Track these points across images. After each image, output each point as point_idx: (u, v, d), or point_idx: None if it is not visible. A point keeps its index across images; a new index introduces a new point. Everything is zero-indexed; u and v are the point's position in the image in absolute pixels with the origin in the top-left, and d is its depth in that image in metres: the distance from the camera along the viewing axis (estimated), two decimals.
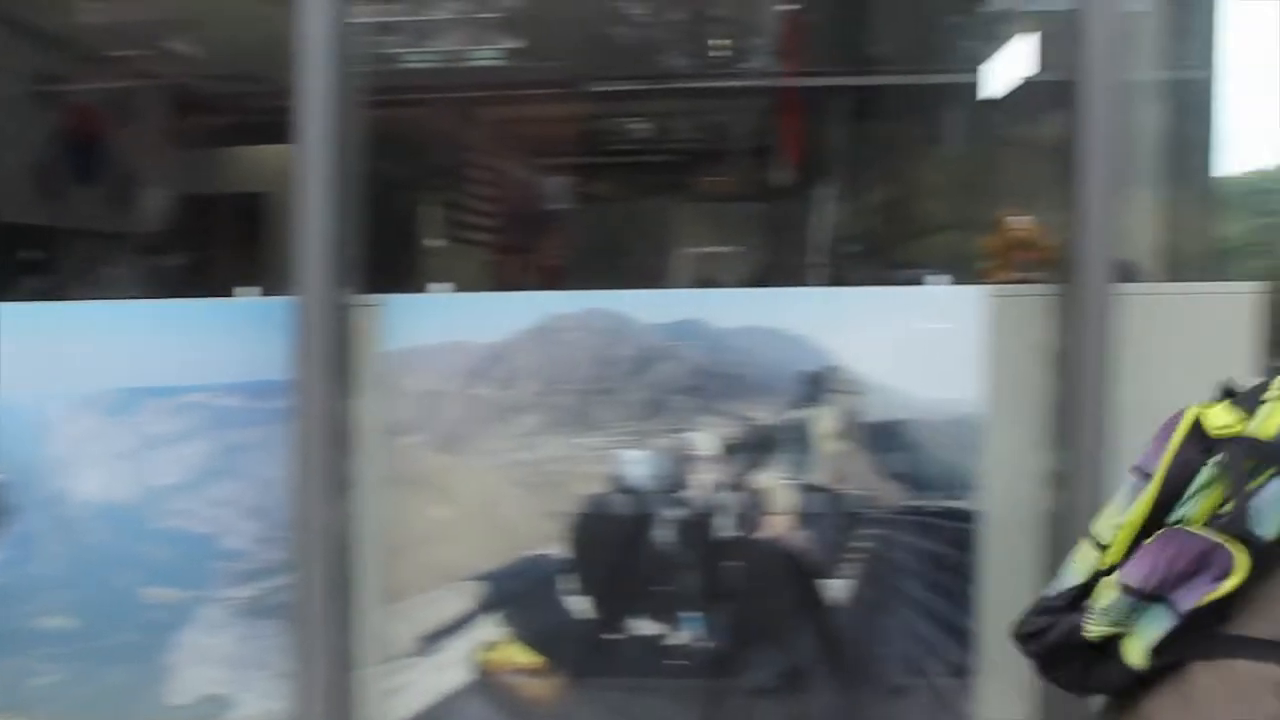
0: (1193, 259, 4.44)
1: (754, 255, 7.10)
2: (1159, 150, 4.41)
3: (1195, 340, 2.43)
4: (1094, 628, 1.30)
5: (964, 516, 2.50)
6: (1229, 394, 1.37)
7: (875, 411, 2.50)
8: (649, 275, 6.83)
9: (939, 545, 2.52)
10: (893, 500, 2.51)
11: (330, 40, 2.43)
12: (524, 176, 7.57)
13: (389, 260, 2.89)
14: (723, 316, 2.52)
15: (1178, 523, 1.29)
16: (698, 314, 2.53)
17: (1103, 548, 1.35)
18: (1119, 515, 1.35)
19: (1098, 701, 1.46)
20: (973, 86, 5.80)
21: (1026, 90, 5.03)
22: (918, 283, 2.51)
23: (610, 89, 6.47)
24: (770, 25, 5.95)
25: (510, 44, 6.02)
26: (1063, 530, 2.37)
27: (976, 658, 2.51)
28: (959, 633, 2.52)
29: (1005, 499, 2.48)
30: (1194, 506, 1.27)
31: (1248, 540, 1.21)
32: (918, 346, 2.50)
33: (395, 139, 5.18)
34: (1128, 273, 2.52)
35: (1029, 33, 5.13)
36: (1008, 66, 5.36)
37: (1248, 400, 1.31)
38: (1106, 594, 1.30)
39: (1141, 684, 1.29)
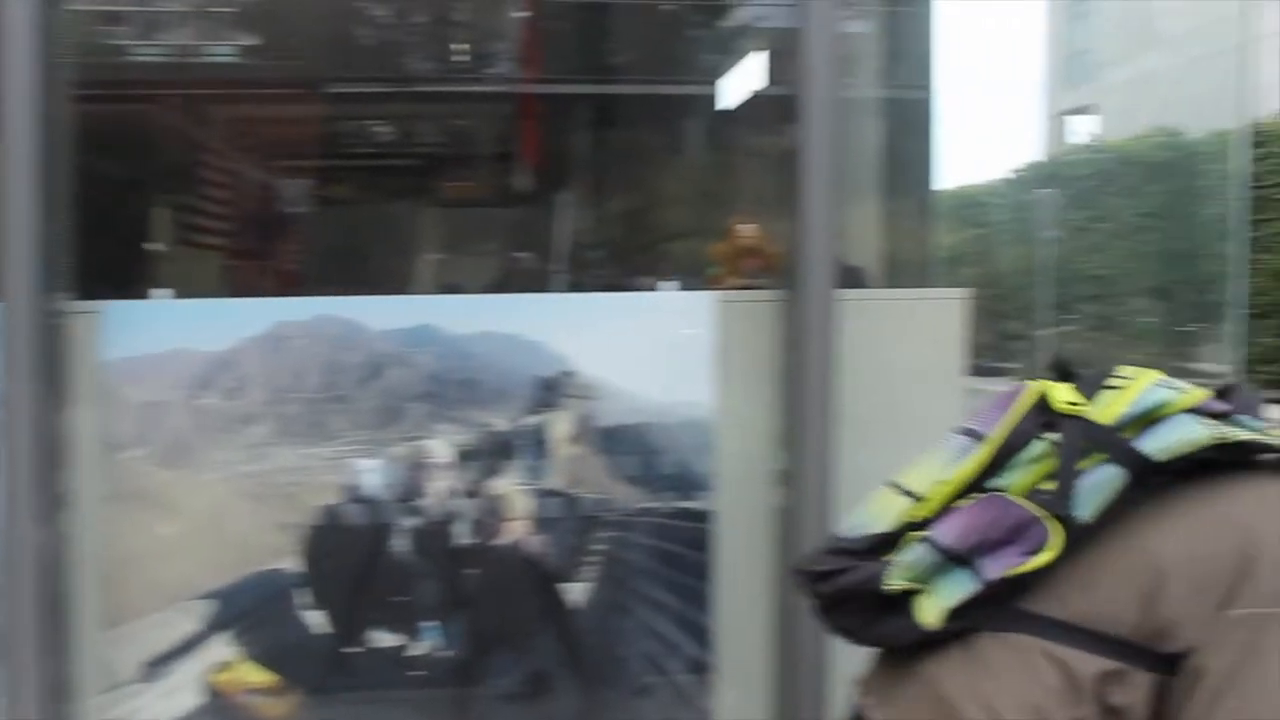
0: (912, 267, 4.69)
1: (495, 261, 7.08)
2: (881, 164, 4.64)
3: (912, 343, 2.57)
4: (895, 580, 1.25)
5: (698, 516, 2.56)
6: (1066, 374, 1.36)
7: (610, 415, 2.52)
8: (389, 280, 6.70)
9: (675, 545, 2.57)
10: (628, 502, 2.55)
11: (36, 28, 2.27)
12: (260, 179, 7.30)
13: (112, 265, 2.72)
14: (458, 322, 2.50)
15: (997, 490, 1.26)
16: (433, 320, 2.50)
17: (916, 500, 1.30)
18: (942, 471, 1.30)
19: (860, 654, 1.41)
20: (710, 98, 5.97)
21: (759, 103, 5.21)
22: (652, 289, 2.55)
23: (350, 90, 6.33)
24: (511, 32, 5.95)
25: (246, 41, 5.80)
26: (792, 527, 2.46)
27: (715, 654, 2.57)
28: (697, 630, 2.57)
29: (737, 498, 2.56)
30: (1017, 476, 1.26)
31: (1066, 520, 1.20)
32: (651, 351, 2.54)
33: (120, 136, 4.90)
34: (858, 279, 2.62)
35: (761, 48, 5.31)
36: (742, 80, 5.54)
37: (1089, 384, 1.31)
38: (914, 548, 1.26)
39: (923, 645, 1.26)
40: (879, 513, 1.32)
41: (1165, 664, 1.17)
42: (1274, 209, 18.24)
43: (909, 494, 1.31)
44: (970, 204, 20.62)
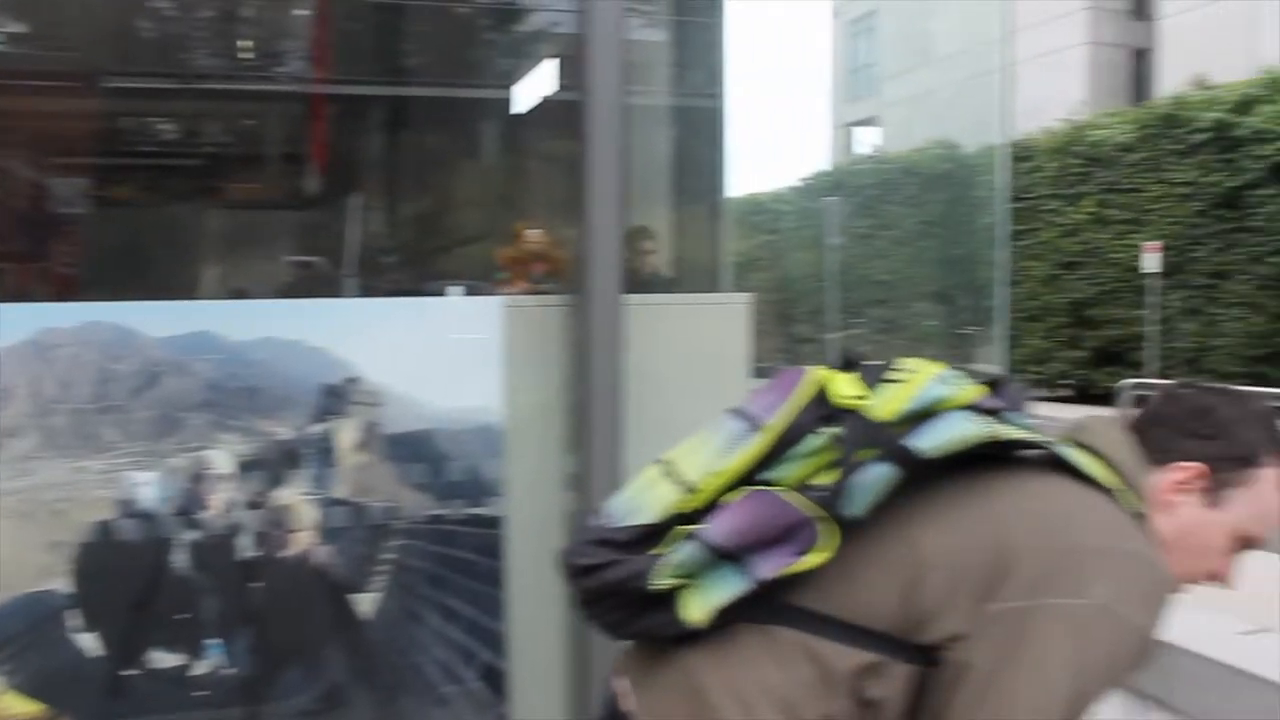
0: (703, 272, 4.79)
1: (284, 265, 6.89)
2: (672, 171, 4.72)
3: (698, 347, 2.62)
4: (663, 580, 1.22)
5: (489, 522, 2.55)
6: (849, 364, 1.35)
7: (397, 422, 2.49)
8: (172, 285, 6.44)
9: (466, 552, 2.56)
10: (418, 510, 2.52)
11: None
12: (30, 177, 6.90)
13: None
14: (239, 329, 2.42)
15: (768, 483, 1.25)
16: (212, 326, 2.41)
17: (688, 490, 1.27)
18: (716, 461, 1.27)
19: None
20: (505, 102, 5.95)
21: (550, 108, 5.23)
22: (440, 293, 2.53)
23: (130, 85, 6.06)
24: (301, 30, 5.81)
25: (12, 28, 5.48)
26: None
27: (509, 660, 2.57)
28: (491, 637, 2.56)
29: (528, 503, 2.56)
30: (790, 469, 1.25)
31: (838, 518, 1.20)
32: (438, 356, 2.52)
33: None
34: (663, 284, 2.64)
35: (553, 53, 5.33)
36: (535, 84, 5.55)
37: (872, 375, 1.31)
38: (683, 545, 1.23)
39: (682, 635, 1.24)
40: (647, 501, 1.29)
41: (923, 656, 1.21)
42: (1040, 219, 19.43)
43: (680, 482, 1.28)
44: (760, 211, 21.17)
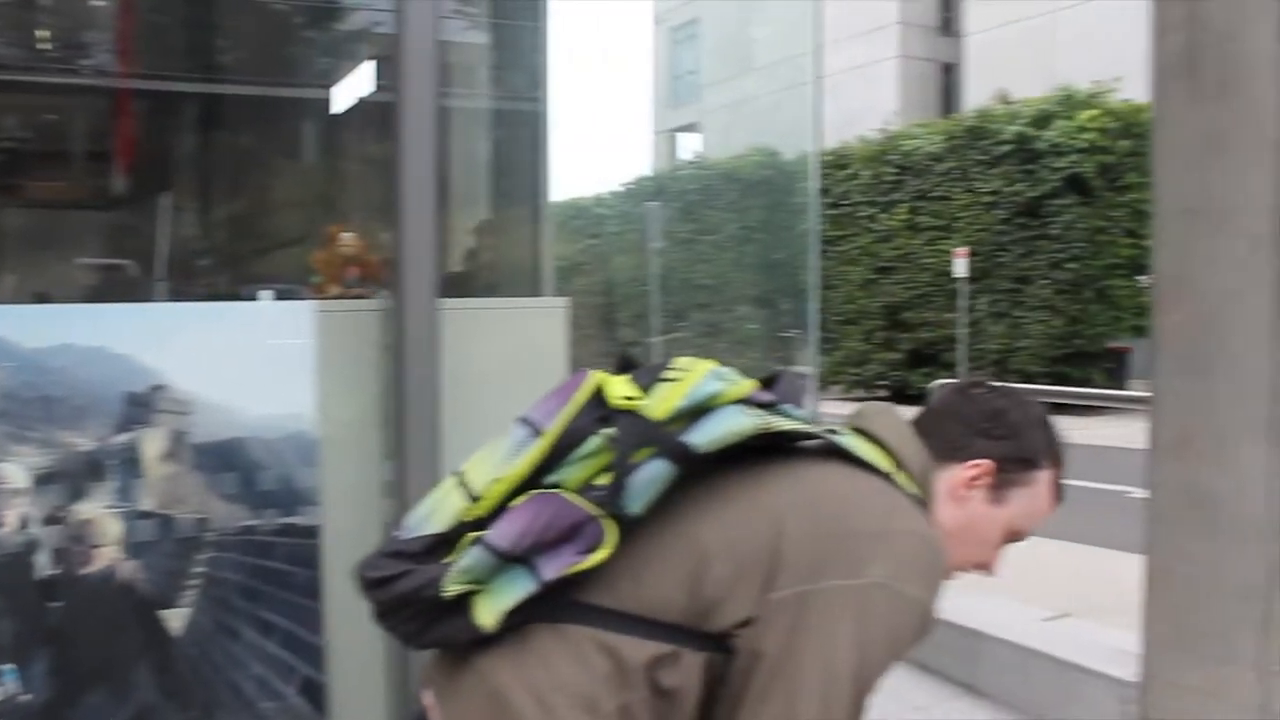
0: (524, 276, 4.77)
1: (89, 267, 6.58)
2: (493, 174, 4.69)
3: (516, 351, 2.62)
4: (453, 587, 1.23)
5: (305, 532, 2.49)
6: (627, 366, 1.38)
7: (206, 431, 2.41)
8: None
9: (281, 563, 2.49)
10: (230, 521, 2.44)
11: None
12: None
13: None
14: (35, 335, 2.30)
15: (553, 486, 1.27)
16: (5, 332, 2.29)
17: (474, 498, 1.28)
18: (499, 468, 1.29)
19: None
20: (323, 102, 5.83)
21: (369, 109, 5.14)
22: (252, 298, 2.46)
23: None
24: (105, 22, 5.57)
25: None
26: None
27: (329, 673, 2.51)
28: (309, 650, 2.50)
29: (345, 512, 2.51)
30: (573, 471, 1.27)
31: (619, 516, 1.22)
32: (250, 363, 2.45)
33: None
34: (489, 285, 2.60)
35: (372, 53, 5.25)
36: (353, 84, 5.46)
37: (647, 376, 1.33)
38: (470, 551, 1.25)
39: (478, 640, 1.26)
40: (438, 512, 1.31)
41: (715, 644, 1.25)
42: (857, 225, 20.05)
43: (468, 491, 1.30)
44: (583, 215, 21.24)
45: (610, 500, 1.23)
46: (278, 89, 6.02)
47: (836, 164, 20.55)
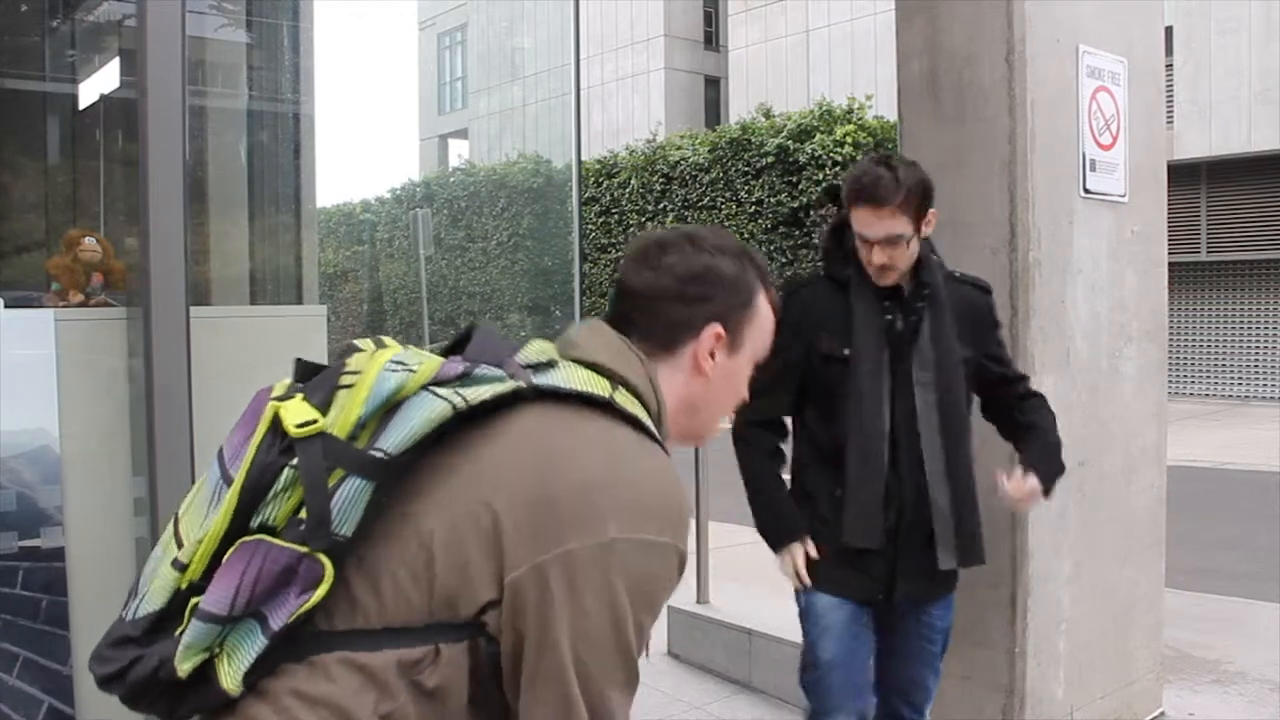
0: (287, 282, 4.64)
1: None
2: (255, 177, 4.54)
3: (272, 360, 2.53)
4: (184, 664, 1.16)
5: (48, 556, 2.34)
6: (306, 375, 1.27)
7: None
8: None
9: (22, 590, 2.34)
10: None
11: None
12: None
13: None
14: None
15: (261, 529, 1.17)
16: None
17: (180, 569, 1.18)
18: (197, 526, 1.20)
19: None
20: (70, 98, 5.51)
21: (118, 106, 4.90)
22: None
23: None
24: None
25: None
26: None
27: (78, 706, 2.37)
28: (57, 680, 2.36)
29: (92, 532, 2.38)
30: (276, 509, 1.17)
31: (329, 547, 1.15)
32: None
33: None
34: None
35: (127, 46, 5.00)
36: (100, 80, 5.18)
37: (322, 389, 1.23)
38: (193, 624, 1.16)
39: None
40: (155, 588, 1.22)
41: (469, 632, 1.20)
42: (627, 233, 20.37)
43: (175, 560, 1.21)
44: (351, 221, 20.84)
45: (312, 536, 1.15)
46: (16, 81, 5.66)
47: (605, 172, 20.85)
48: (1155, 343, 3.70)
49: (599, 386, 1.28)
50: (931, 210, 2.48)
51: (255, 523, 1.18)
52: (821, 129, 17.54)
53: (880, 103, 17.32)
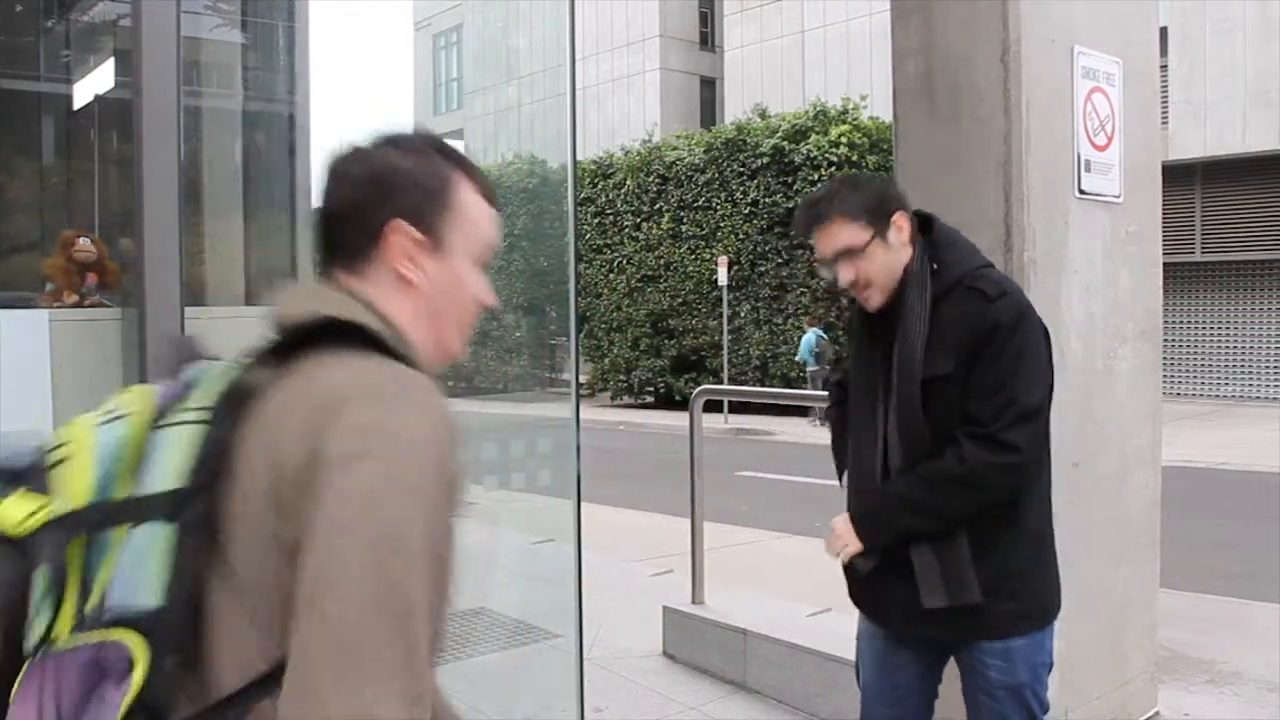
0: (283, 282, 4.63)
1: None
2: (250, 178, 4.54)
3: None
4: None
5: None
6: (13, 476, 1.09)
7: None
8: None
9: None
10: None
11: None
12: None
13: None
14: None
15: (42, 646, 1.01)
16: None
17: None
18: None
19: None
20: (64, 98, 5.51)
21: (113, 106, 4.89)
22: None
23: None
24: None
25: None
26: None
27: None
28: None
29: None
30: (48, 620, 1.02)
31: (137, 623, 0.99)
32: None
33: None
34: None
35: (118, 47, 4.99)
36: (95, 80, 5.18)
37: (32, 476, 1.07)
38: None
39: None
40: None
41: None
42: (622, 234, 20.38)
43: None
44: None
45: (101, 622, 1.00)
46: (11, 81, 5.65)
47: (603, 173, 20.85)
48: (1150, 343, 3.70)
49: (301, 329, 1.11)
50: (898, 214, 2.30)
51: (30, 645, 1.02)
52: (816, 129, 17.55)
53: (875, 103, 17.33)
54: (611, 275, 20.58)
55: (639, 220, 20.18)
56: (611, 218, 20.59)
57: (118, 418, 1.10)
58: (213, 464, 1.04)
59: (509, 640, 4.24)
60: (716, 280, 17.84)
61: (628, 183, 20.35)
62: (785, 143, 17.69)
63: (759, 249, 18.15)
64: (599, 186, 20.79)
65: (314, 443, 1.01)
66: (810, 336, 16.84)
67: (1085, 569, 3.35)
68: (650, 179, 19.98)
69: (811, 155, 17.20)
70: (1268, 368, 17.45)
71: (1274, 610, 5.33)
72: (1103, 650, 3.50)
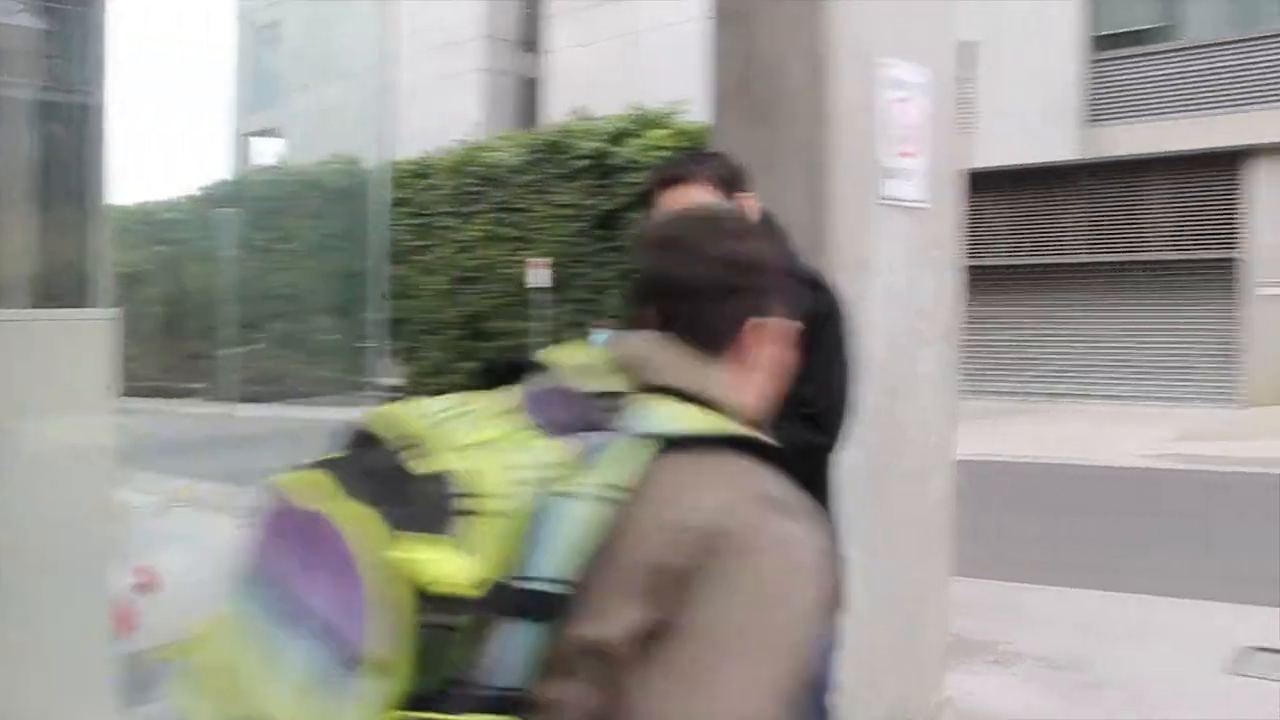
0: (75, 284, 4.41)
1: None
2: (39, 173, 4.31)
3: (58, 365, 2.40)
4: None
5: None
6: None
7: None
8: None
9: None
10: None
11: None
12: None
13: None
14: None
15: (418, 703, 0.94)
16: None
17: None
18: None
19: None
20: None
21: None
22: None
23: None
24: None
25: None
26: None
27: None
28: None
29: None
30: (436, 677, 0.95)
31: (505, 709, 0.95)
32: None
33: None
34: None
35: None
36: None
37: (423, 518, 0.97)
38: None
39: None
40: None
41: None
42: (438, 235, 20.12)
43: None
44: (151, 220, 20.05)
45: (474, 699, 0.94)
46: None
47: (419, 173, 20.54)
48: (950, 345, 3.84)
49: (703, 423, 1.10)
50: (746, 195, 2.37)
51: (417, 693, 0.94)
52: (636, 132, 17.68)
53: (700, 106, 17.49)
54: (426, 277, 20.32)
55: (456, 222, 19.98)
56: (428, 219, 20.33)
57: (532, 473, 1.00)
58: (602, 557, 0.99)
59: None
60: (529, 282, 17.79)
61: (446, 184, 20.12)
62: (606, 145, 17.77)
63: (577, 251, 18.20)
64: (415, 187, 20.51)
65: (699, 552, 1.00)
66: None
67: (889, 569, 3.44)
68: (468, 180, 19.81)
69: (632, 158, 17.32)
70: (1075, 366, 18.32)
71: (1050, 592, 5.66)
72: (903, 646, 3.61)
